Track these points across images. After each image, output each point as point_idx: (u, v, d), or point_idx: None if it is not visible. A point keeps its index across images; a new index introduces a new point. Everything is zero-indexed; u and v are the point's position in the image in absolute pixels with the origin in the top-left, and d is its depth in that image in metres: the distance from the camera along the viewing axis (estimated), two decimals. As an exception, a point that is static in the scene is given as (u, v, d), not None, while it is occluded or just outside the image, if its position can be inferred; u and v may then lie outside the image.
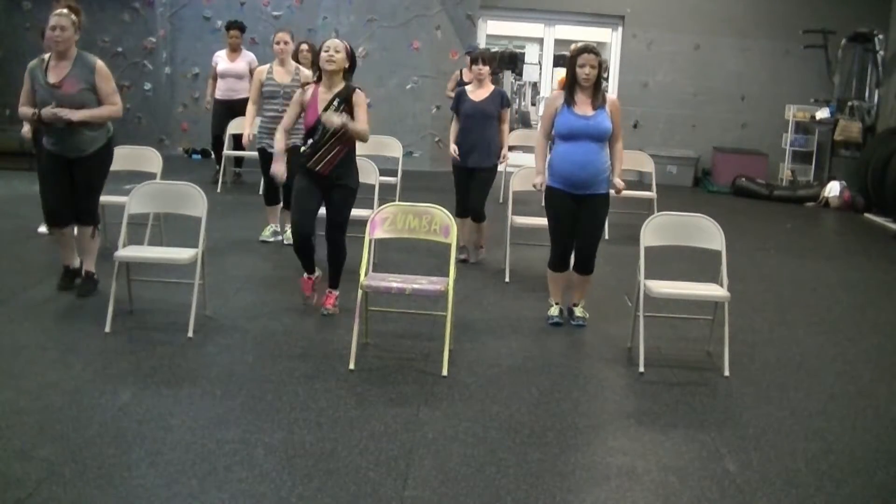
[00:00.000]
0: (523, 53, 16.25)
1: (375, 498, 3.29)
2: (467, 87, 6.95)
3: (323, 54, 5.14)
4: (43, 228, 6.75)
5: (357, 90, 5.19)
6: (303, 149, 5.19)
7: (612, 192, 5.31)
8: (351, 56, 5.23)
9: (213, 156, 10.35)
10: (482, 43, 12.47)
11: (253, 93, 7.06)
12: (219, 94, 9.73)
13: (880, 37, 11.72)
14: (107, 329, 4.91)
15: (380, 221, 4.83)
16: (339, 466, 3.51)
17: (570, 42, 12.39)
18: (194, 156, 12.13)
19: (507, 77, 13.43)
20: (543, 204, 5.49)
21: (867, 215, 10.73)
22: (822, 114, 12.07)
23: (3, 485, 3.22)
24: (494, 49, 12.91)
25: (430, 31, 11.96)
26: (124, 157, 6.41)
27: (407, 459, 3.60)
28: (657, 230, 4.99)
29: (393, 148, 8.31)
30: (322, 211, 5.35)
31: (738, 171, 12.00)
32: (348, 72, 5.24)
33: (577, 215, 5.29)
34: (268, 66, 7.05)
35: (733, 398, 4.52)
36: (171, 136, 12.26)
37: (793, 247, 8.79)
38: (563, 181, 5.24)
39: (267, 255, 6.94)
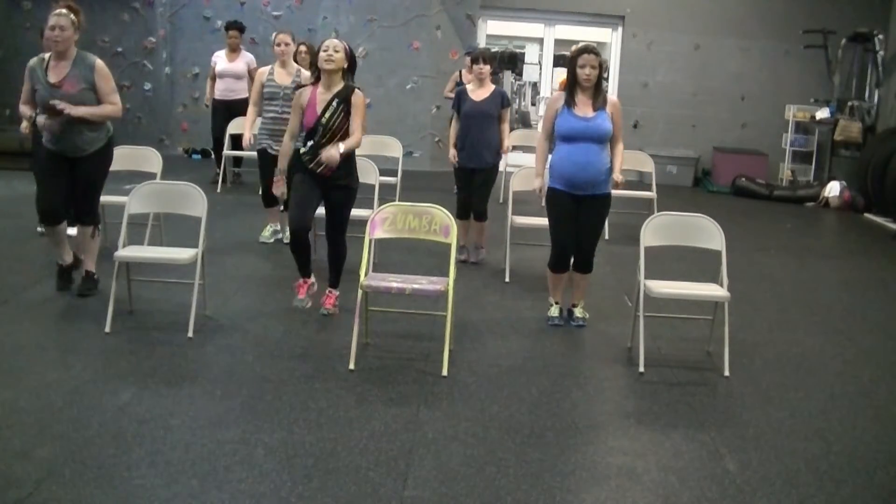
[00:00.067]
0: (523, 53, 16.25)
1: (375, 498, 3.29)
2: (468, 87, 6.95)
3: (322, 54, 5.12)
4: (41, 228, 6.75)
5: (356, 90, 5.18)
6: (303, 150, 5.18)
7: (613, 189, 5.32)
8: (350, 56, 5.22)
9: (213, 156, 10.35)
10: (482, 43, 12.48)
11: (254, 94, 7.05)
12: (217, 95, 9.73)
13: (880, 37, 11.72)
14: (107, 329, 4.91)
15: (380, 221, 4.83)
16: (339, 466, 3.51)
17: (570, 42, 12.41)
18: (194, 156, 12.13)
19: (507, 77, 13.42)
20: (543, 204, 5.49)
21: (867, 215, 10.74)
22: (822, 114, 12.07)
23: (3, 485, 3.22)
24: (494, 49, 12.90)
25: (430, 31, 11.96)
26: (124, 157, 6.42)
27: (407, 459, 3.60)
28: (657, 230, 4.99)
29: (393, 148, 8.30)
30: (321, 210, 5.35)
31: (738, 171, 12.00)
32: (348, 72, 5.23)
33: (578, 215, 5.29)
34: (269, 67, 7.04)
35: (733, 398, 4.52)
36: (171, 136, 12.27)
37: (793, 247, 8.79)
38: (564, 182, 5.24)
39: (267, 255, 6.94)
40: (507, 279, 6.50)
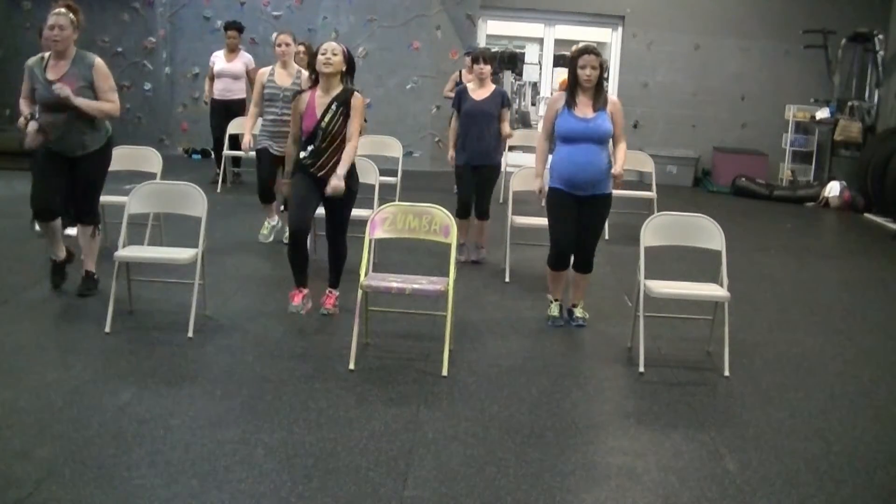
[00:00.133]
0: (523, 53, 16.25)
1: (375, 498, 3.29)
2: (468, 86, 6.95)
3: (320, 57, 5.09)
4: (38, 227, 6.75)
5: (356, 93, 5.17)
6: (302, 155, 5.16)
7: (612, 186, 5.31)
8: (349, 59, 5.20)
9: (213, 156, 10.36)
10: (482, 43, 12.48)
11: (255, 95, 7.02)
12: (215, 95, 9.74)
13: (880, 37, 11.72)
14: (107, 329, 4.91)
15: (380, 221, 4.83)
16: (339, 466, 3.51)
17: (570, 42, 12.42)
18: (194, 156, 12.13)
19: (507, 77, 13.42)
20: (543, 204, 5.49)
21: (867, 215, 10.74)
22: (822, 114, 12.07)
23: (3, 485, 3.22)
24: (494, 49, 12.91)
25: (430, 31, 11.97)
26: (124, 157, 6.42)
27: (407, 459, 3.60)
28: (657, 230, 4.99)
29: (393, 148, 8.30)
30: (321, 210, 5.34)
31: (738, 171, 12.01)
32: (347, 75, 5.21)
33: (578, 215, 5.28)
34: (269, 68, 7.02)
35: (733, 398, 4.52)
36: (171, 136, 12.27)
37: (793, 247, 8.79)
38: (565, 182, 5.24)
39: (267, 255, 6.94)
40: (507, 279, 6.50)
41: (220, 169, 9.60)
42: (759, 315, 6.03)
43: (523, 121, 14.75)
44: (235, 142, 9.29)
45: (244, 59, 9.71)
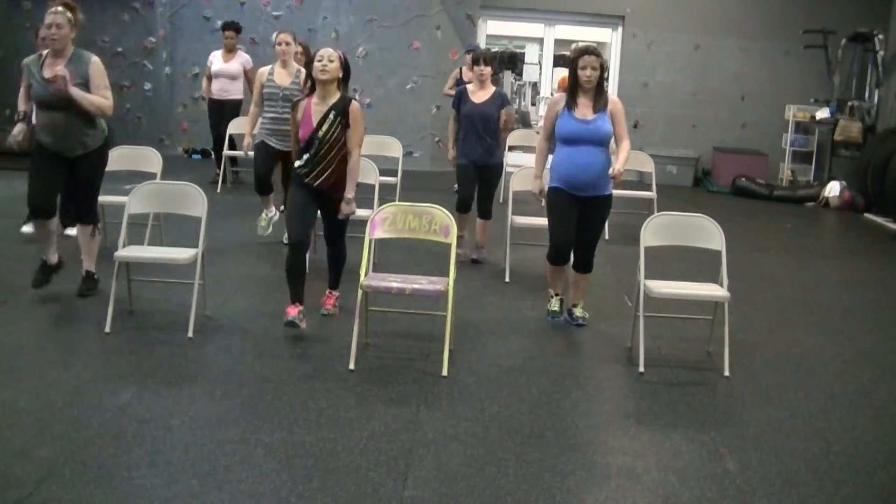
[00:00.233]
0: (523, 53, 16.26)
1: (375, 498, 3.29)
2: (468, 87, 6.95)
3: (316, 64, 4.99)
4: (27, 228, 6.74)
5: (353, 101, 5.10)
6: (298, 164, 5.11)
7: (612, 185, 5.31)
8: (345, 65, 5.14)
9: (213, 156, 10.35)
10: (482, 43, 12.48)
11: (255, 94, 7.00)
12: (213, 94, 9.74)
13: (880, 37, 11.72)
14: (107, 329, 4.91)
15: (380, 221, 4.83)
16: (339, 466, 3.51)
17: (570, 42, 12.43)
18: (194, 156, 12.13)
19: (507, 77, 13.43)
20: (543, 204, 5.49)
21: (867, 215, 10.74)
22: (822, 114, 12.07)
23: (3, 485, 3.22)
24: (494, 49, 12.91)
25: (430, 31, 11.97)
26: (124, 157, 6.42)
27: (407, 459, 3.60)
28: (657, 230, 4.99)
29: (393, 148, 8.30)
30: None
31: (738, 171, 12.01)
32: (343, 81, 5.16)
33: (578, 214, 5.28)
34: (269, 67, 7.01)
35: (733, 398, 4.52)
36: (171, 136, 12.27)
37: (793, 247, 8.79)
38: (565, 183, 5.24)
39: (267, 255, 6.93)
40: (507, 279, 6.50)
41: (220, 169, 9.61)
42: (759, 315, 6.03)
43: (523, 121, 14.74)
44: (235, 141, 9.30)
45: (241, 60, 9.71)
